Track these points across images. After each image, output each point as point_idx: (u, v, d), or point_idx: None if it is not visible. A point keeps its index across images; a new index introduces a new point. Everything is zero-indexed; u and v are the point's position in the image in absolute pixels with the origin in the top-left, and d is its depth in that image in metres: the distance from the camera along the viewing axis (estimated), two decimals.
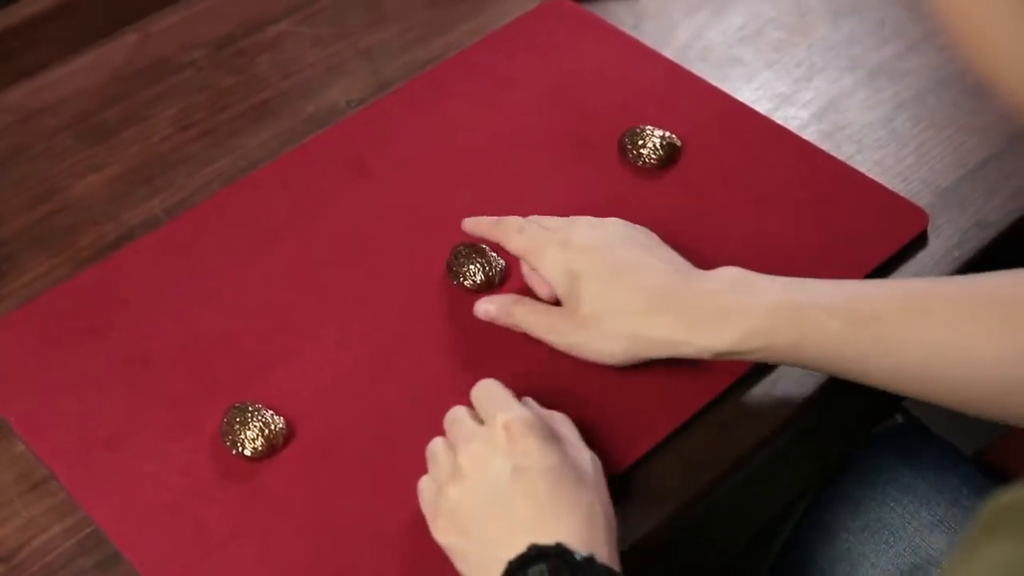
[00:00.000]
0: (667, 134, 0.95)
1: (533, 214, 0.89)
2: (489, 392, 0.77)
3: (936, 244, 0.91)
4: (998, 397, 0.75)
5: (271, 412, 0.80)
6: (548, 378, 0.83)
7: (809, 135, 0.99)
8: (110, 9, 1.11)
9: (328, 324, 0.87)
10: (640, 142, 0.95)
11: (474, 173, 0.97)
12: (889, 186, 0.94)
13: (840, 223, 0.92)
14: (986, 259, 0.91)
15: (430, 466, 0.76)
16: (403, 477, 0.79)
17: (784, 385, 0.84)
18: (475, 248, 0.89)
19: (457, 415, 0.77)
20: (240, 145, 1.02)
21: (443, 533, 0.73)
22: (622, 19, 1.09)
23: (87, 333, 0.87)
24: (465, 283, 0.88)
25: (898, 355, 0.76)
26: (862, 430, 0.99)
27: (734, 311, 0.77)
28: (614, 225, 0.85)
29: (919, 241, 0.91)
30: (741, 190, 0.94)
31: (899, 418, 1.02)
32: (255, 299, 0.89)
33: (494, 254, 0.89)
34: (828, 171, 0.96)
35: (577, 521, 0.69)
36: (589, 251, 0.82)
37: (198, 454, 0.80)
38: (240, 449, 0.79)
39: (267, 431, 0.79)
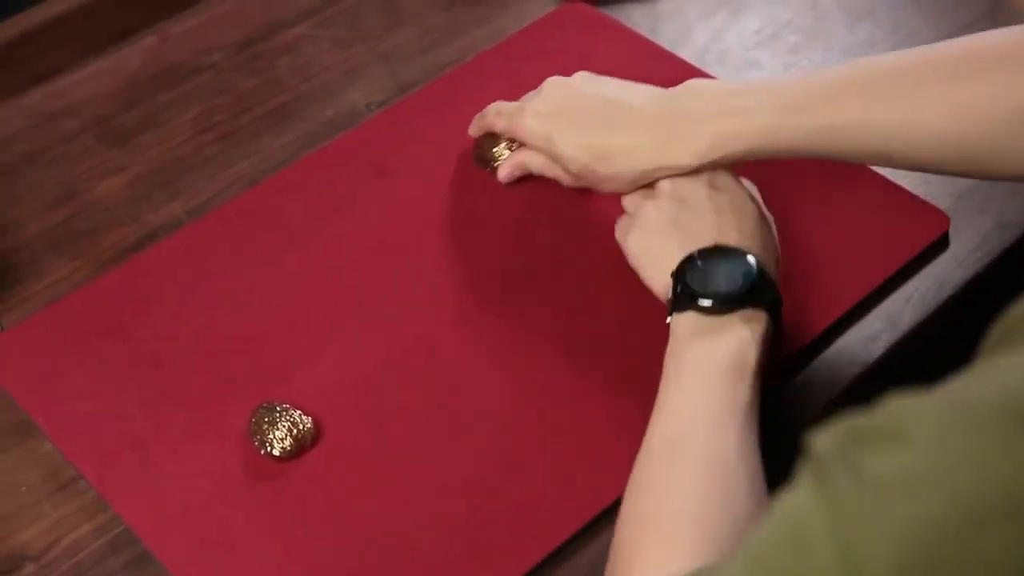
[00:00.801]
0: None
1: (551, 213, 0.91)
2: None
3: (958, 245, 0.92)
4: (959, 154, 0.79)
5: (299, 412, 0.81)
6: (575, 371, 0.84)
7: None
8: (128, 12, 1.12)
9: (350, 325, 0.87)
10: None
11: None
12: (909, 188, 0.94)
13: (861, 226, 0.93)
14: (1009, 259, 0.91)
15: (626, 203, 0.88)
16: (429, 477, 0.79)
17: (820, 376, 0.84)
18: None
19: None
20: (260, 148, 1.02)
21: (635, 238, 0.84)
22: (638, 22, 1.09)
23: (111, 334, 0.87)
24: None
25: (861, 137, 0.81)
26: None
27: (694, 124, 0.83)
28: (578, 77, 0.92)
29: (941, 243, 0.92)
30: (760, 192, 0.94)
31: None
32: (277, 301, 0.89)
33: None
34: (848, 174, 0.96)
35: (758, 244, 0.80)
36: (555, 112, 0.89)
37: (225, 454, 0.80)
38: (269, 449, 0.79)
39: (295, 431, 0.79)
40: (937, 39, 1.06)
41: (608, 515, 0.75)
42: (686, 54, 1.06)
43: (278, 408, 0.80)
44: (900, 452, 0.44)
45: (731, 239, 0.79)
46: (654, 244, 0.82)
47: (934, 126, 0.78)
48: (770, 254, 0.81)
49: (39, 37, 1.09)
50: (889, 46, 1.07)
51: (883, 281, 0.89)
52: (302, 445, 0.80)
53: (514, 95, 1.02)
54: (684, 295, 0.77)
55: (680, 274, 0.78)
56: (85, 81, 1.08)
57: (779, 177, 0.95)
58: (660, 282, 0.81)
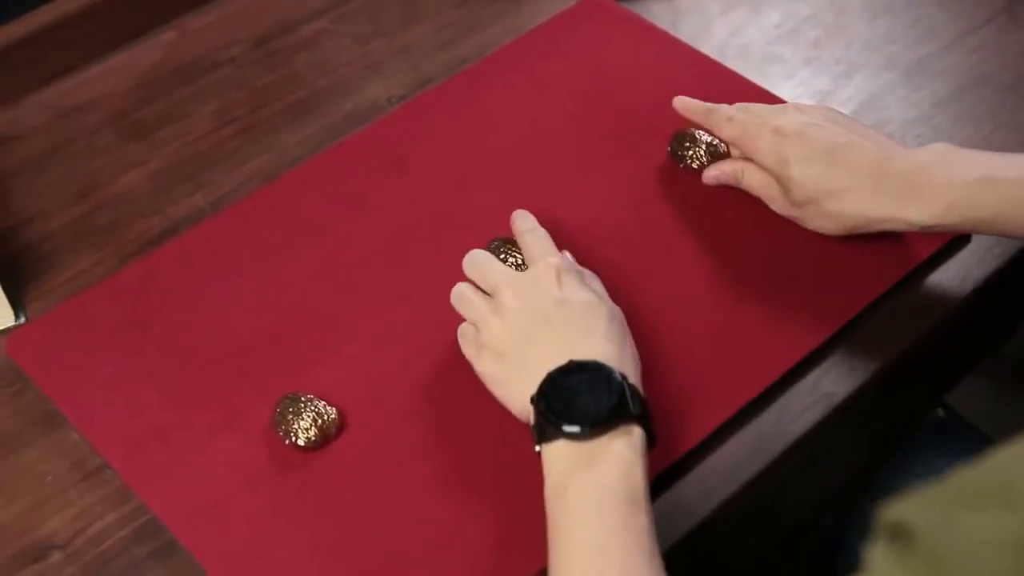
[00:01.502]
0: (714, 140, 0.95)
1: (570, 212, 0.90)
2: (538, 239, 0.84)
3: (978, 241, 0.92)
4: None
5: (323, 402, 0.81)
6: None
7: None
8: (148, 8, 1.12)
9: (371, 318, 0.88)
10: (687, 144, 0.95)
11: (513, 170, 0.97)
12: None
13: None
14: None
15: (465, 310, 0.82)
16: (453, 468, 0.79)
17: (836, 373, 0.84)
18: (509, 241, 0.89)
19: (463, 289, 0.83)
20: (279, 142, 1.02)
21: (486, 363, 0.79)
22: (659, 17, 1.09)
23: (134, 326, 0.87)
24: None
25: None
26: (913, 418, 0.99)
27: (935, 186, 0.82)
28: (821, 110, 0.90)
29: (961, 239, 0.91)
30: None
31: (941, 412, 1.02)
32: (297, 294, 0.89)
33: (518, 252, 0.89)
34: None
35: (612, 348, 0.75)
36: (797, 136, 0.86)
37: (250, 444, 0.80)
38: (294, 439, 0.79)
39: (320, 421, 0.80)
40: (956, 35, 1.07)
41: None
42: (707, 49, 1.06)
43: (303, 399, 0.81)
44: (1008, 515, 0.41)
45: (585, 352, 0.74)
46: (509, 366, 0.77)
47: None
48: (628, 358, 0.76)
49: (59, 32, 1.09)
50: (908, 42, 1.07)
51: (902, 276, 0.89)
52: (327, 435, 0.80)
53: (535, 90, 1.03)
54: (549, 423, 0.71)
55: (540, 399, 0.73)
56: (105, 76, 1.08)
57: None
58: (518, 405, 0.76)
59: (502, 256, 0.88)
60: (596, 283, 0.82)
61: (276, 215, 0.95)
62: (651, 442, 0.72)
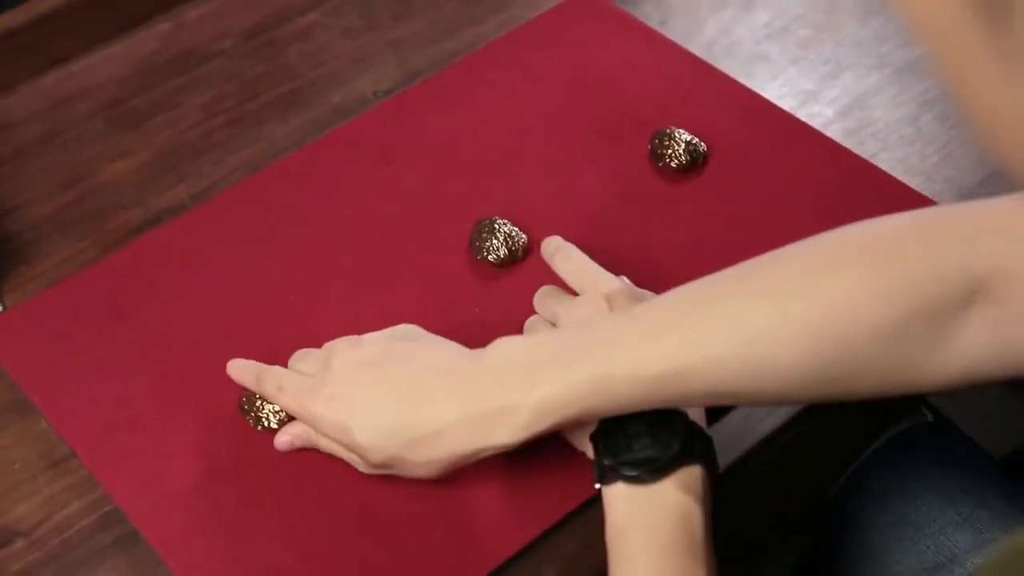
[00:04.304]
0: (694, 139, 0.95)
1: (555, 206, 0.90)
2: (585, 269, 0.83)
3: None
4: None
5: None
6: None
7: (834, 132, 0.98)
8: None
9: (350, 309, 0.88)
10: (667, 143, 0.95)
11: (499, 163, 0.97)
12: (913, 185, 0.94)
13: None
14: None
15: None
16: None
17: None
18: (495, 223, 0.90)
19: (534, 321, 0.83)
20: (268, 134, 1.03)
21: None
22: (650, 14, 1.09)
23: (112, 316, 0.88)
24: (489, 258, 0.89)
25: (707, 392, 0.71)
26: (888, 419, 0.99)
27: (507, 406, 0.71)
28: (370, 342, 0.79)
29: None
30: (764, 189, 0.94)
31: (928, 416, 1.02)
32: (277, 285, 0.90)
33: (516, 228, 0.90)
34: (852, 170, 0.96)
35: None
36: (348, 394, 0.75)
37: (217, 435, 0.81)
38: (267, 423, 0.80)
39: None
40: None
41: (592, 504, 0.75)
42: (696, 47, 1.06)
43: None
44: None
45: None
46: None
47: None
48: None
49: (57, 21, 1.10)
50: (900, 42, 1.06)
51: None
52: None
53: (522, 85, 1.03)
54: (607, 465, 0.70)
55: (600, 438, 0.71)
56: (99, 65, 1.09)
57: (780, 171, 0.95)
58: (583, 442, 0.74)
59: (485, 235, 0.89)
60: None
61: (258, 206, 0.95)
62: (715, 479, 0.71)
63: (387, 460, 0.74)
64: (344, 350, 0.78)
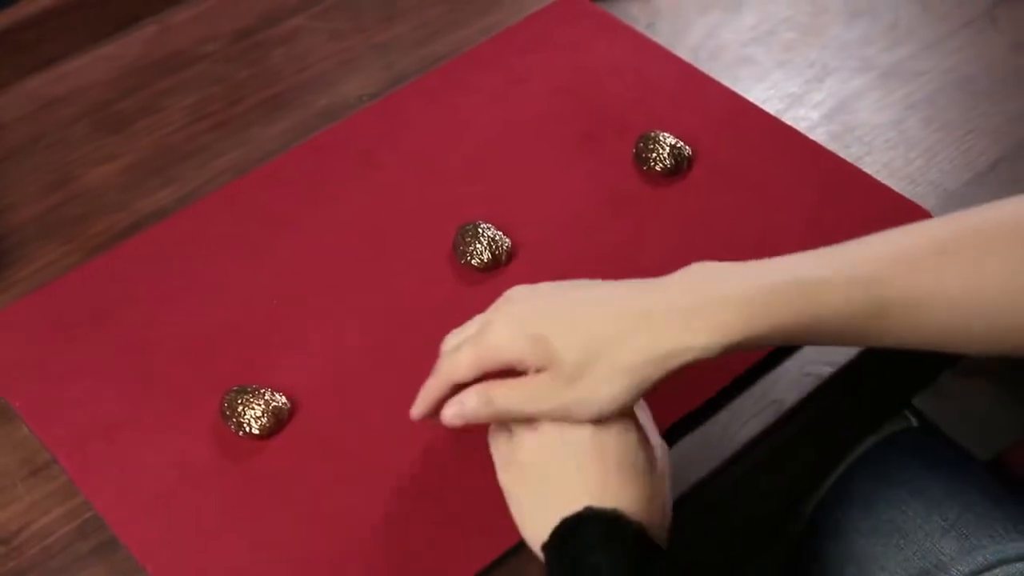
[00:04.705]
0: (678, 143, 0.95)
1: (539, 210, 0.90)
2: None
3: None
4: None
5: (269, 390, 0.82)
6: None
7: (819, 136, 0.98)
8: (131, 1, 1.13)
9: (332, 313, 0.88)
10: (652, 146, 0.95)
11: (484, 167, 0.97)
12: (897, 188, 0.94)
13: (846, 226, 0.91)
14: None
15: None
16: (403, 466, 0.79)
17: (780, 387, 0.84)
18: (479, 227, 0.90)
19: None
20: (253, 137, 1.02)
21: (510, 479, 0.72)
22: (636, 17, 1.09)
23: (95, 321, 0.88)
24: (472, 262, 0.89)
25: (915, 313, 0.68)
26: (870, 426, 0.99)
27: (720, 302, 0.68)
28: (543, 284, 0.75)
29: None
30: (749, 193, 0.94)
31: (914, 421, 1.02)
32: (261, 289, 0.90)
33: (500, 232, 0.90)
34: (836, 173, 0.96)
35: (638, 497, 0.68)
36: (539, 306, 0.71)
37: (197, 442, 0.81)
38: (248, 429, 0.80)
39: (271, 406, 0.81)
40: (935, 38, 1.06)
41: None
42: (682, 50, 1.06)
43: (250, 389, 0.81)
44: None
45: (607, 497, 0.68)
46: (530, 492, 0.71)
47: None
48: (657, 507, 0.70)
49: (44, 23, 1.10)
50: (886, 44, 1.06)
51: None
52: (280, 420, 0.81)
53: (508, 88, 1.03)
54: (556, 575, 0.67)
55: (550, 551, 0.67)
56: (85, 68, 1.09)
57: (765, 174, 0.95)
58: (531, 537, 0.71)
59: (468, 239, 0.89)
60: (644, 414, 0.75)
61: (242, 210, 0.95)
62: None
63: (583, 362, 0.68)
64: (501, 303, 0.73)
